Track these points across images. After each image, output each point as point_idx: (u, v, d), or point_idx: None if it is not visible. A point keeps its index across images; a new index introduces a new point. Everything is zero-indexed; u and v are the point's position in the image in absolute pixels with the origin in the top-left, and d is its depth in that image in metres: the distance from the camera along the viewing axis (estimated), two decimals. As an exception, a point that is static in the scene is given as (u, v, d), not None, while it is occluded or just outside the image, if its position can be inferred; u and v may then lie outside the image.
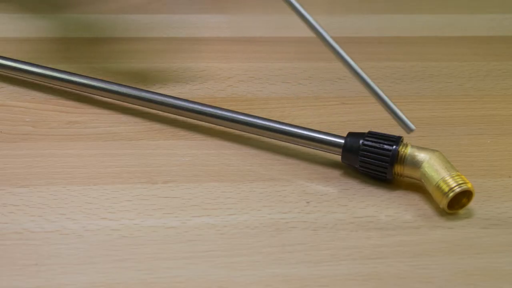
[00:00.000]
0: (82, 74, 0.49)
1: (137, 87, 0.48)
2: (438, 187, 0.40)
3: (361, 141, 0.42)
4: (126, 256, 0.37)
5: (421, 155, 0.41)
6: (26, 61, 0.51)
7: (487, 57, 0.58)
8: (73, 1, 0.65)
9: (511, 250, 0.38)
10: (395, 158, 0.41)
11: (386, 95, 0.42)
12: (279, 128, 0.44)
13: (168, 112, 0.48)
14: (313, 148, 0.44)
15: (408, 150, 0.41)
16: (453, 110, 0.50)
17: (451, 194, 0.39)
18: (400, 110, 0.41)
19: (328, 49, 0.42)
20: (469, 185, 0.40)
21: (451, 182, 0.40)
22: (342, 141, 0.43)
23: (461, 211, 0.41)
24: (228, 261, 0.37)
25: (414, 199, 0.42)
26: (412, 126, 0.41)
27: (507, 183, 0.43)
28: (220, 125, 0.46)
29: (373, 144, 0.42)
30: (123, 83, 0.49)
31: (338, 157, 0.43)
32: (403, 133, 0.45)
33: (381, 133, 0.42)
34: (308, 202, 0.41)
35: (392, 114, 0.42)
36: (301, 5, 0.42)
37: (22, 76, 0.51)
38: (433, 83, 0.54)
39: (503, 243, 0.39)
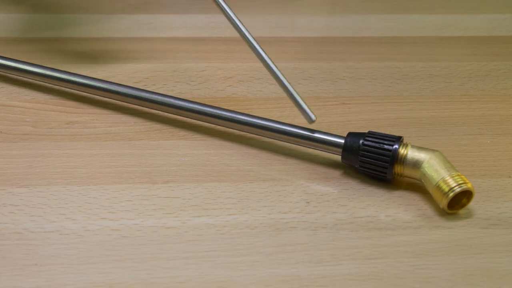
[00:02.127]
0: (82, 74, 0.49)
1: (137, 87, 0.48)
2: (438, 187, 0.40)
3: (361, 141, 0.42)
4: (126, 256, 0.37)
5: (421, 155, 0.41)
6: (26, 61, 0.51)
7: (487, 57, 0.58)
8: (73, 1, 0.65)
9: (511, 250, 0.38)
10: (395, 158, 0.41)
11: (290, 84, 0.44)
12: (279, 128, 0.44)
13: (168, 112, 0.48)
14: (313, 148, 0.44)
15: (408, 150, 0.41)
16: (453, 110, 0.50)
17: (451, 194, 0.39)
18: (302, 100, 0.43)
19: (243, 38, 0.45)
20: (469, 185, 0.40)
21: (451, 182, 0.40)
22: (342, 141, 0.43)
23: (461, 211, 0.41)
24: (228, 261, 0.37)
25: (414, 199, 0.42)
26: (313, 116, 0.43)
27: (507, 183, 0.43)
28: (220, 125, 0.46)
29: (373, 144, 0.42)
30: (123, 83, 0.49)
31: (338, 157, 0.43)
32: (403, 133, 0.45)
33: (381, 133, 0.42)
34: (308, 202, 0.41)
35: (295, 103, 0.43)
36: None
37: (22, 76, 0.51)
38: (433, 83, 0.54)
39: (503, 243, 0.39)
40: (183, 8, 0.64)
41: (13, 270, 0.36)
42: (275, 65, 0.44)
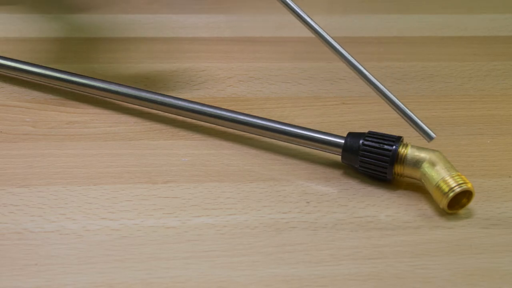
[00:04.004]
0: (82, 74, 0.49)
1: (137, 87, 0.48)
2: (438, 187, 0.40)
3: (361, 141, 0.42)
4: (126, 256, 0.37)
5: (421, 155, 0.41)
6: (26, 61, 0.51)
7: (487, 57, 0.58)
8: (73, 1, 0.65)
9: (511, 250, 0.38)
10: (395, 158, 0.41)
11: (403, 103, 0.42)
12: (279, 128, 0.44)
13: (168, 112, 0.48)
14: (313, 148, 0.44)
15: (408, 150, 0.41)
16: (453, 110, 0.50)
17: (451, 194, 0.39)
18: (419, 118, 0.42)
19: (345, 63, 0.43)
20: (469, 185, 0.40)
21: (451, 182, 0.40)
22: (342, 141, 0.43)
23: (461, 211, 0.41)
24: (228, 261, 0.37)
25: (414, 199, 0.42)
26: (432, 134, 0.41)
27: (507, 183, 0.43)
28: (220, 125, 0.46)
29: (373, 144, 0.42)
30: (123, 83, 0.49)
31: (338, 157, 0.43)
32: (403, 133, 0.45)
33: (381, 133, 0.42)
34: (308, 202, 0.41)
35: (410, 123, 0.42)
36: (313, 20, 0.43)
37: (22, 76, 0.51)
38: (433, 83, 0.54)
39: (503, 243, 0.39)
40: (183, 8, 0.64)
41: (13, 270, 0.36)
42: (383, 85, 0.42)
